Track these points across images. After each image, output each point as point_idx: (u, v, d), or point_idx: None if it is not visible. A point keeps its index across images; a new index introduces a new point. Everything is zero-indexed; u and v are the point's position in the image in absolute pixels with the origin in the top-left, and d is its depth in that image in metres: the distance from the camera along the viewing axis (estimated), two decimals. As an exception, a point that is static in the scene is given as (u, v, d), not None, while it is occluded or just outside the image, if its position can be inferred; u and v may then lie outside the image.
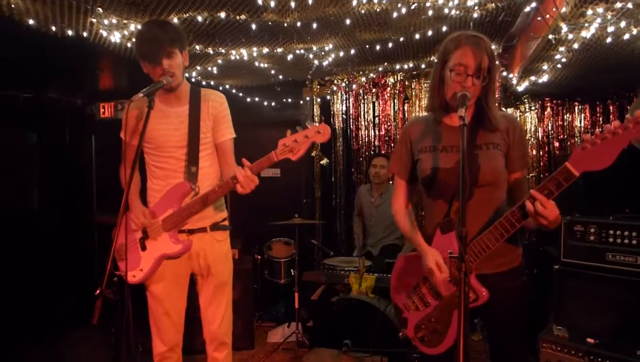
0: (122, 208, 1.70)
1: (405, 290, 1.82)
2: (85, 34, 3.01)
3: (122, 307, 1.76)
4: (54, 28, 2.85)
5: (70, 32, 2.92)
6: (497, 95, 1.66)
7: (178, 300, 2.13)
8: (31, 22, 2.72)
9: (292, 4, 2.46)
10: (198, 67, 4.07)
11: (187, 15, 2.83)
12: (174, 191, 2.02)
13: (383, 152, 4.67)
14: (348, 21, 2.85)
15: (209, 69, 4.04)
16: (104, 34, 3.01)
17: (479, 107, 1.66)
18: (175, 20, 2.89)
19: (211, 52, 3.56)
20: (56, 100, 4.67)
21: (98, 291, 1.63)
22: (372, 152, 4.77)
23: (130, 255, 2.04)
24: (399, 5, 2.50)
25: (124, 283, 1.78)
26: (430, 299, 1.74)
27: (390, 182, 4.13)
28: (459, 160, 1.68)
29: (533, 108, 4.43)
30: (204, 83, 4.57)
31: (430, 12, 2.65)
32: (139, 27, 1.88)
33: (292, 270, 3.99)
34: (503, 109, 4.19)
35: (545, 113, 4.41)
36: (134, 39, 1.97)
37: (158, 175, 2.07)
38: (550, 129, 4.40)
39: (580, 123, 4.31)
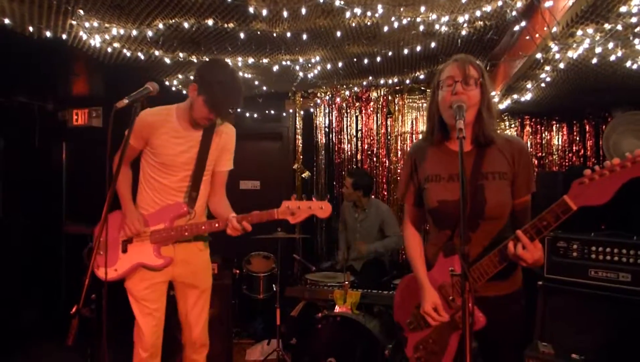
0: (108, 201, 1.63)
1: (409, 309, 1.80)
2: (64, 37, 2.88)
3: (100, 325, 1.64)
4: (31, 29, 2.71)
5: (48, 34, 2.79)
6: (494, 110, 1.66)
7: (159, 300, 2.14)
8: (7, 21, 2.58)
9: (285, 14, 2.42)
10: (180, 76, 3.98)
11: (173, 21, 2.75)
12: (170, 208, 2.07)
13: (365, 166, 4.67)
14: (339, 33, 2.84)
15: (191, 77, 3.94)
16: (84, 37, 2.89)
17: (479, 131, 1.63)
18: (161, 25, 2.80)
19: (195, 60, 3.48)
20: (26, 105, 4.47)
21: (74, 309, 1.52)
22: (355, 166, 4.76)
23: (108, 251, 2.04)
24: (392, 19, 2.50)
25: (102, 289, 1.70)
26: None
27: (373, 196, 4.12)
28: (466, 191, 1.66)
29: (513, 126, 4.53)
30: (184, 92, 4.46)
31: (421, 28, 2.67)
32: (222, 76, 2.02)
33: (274, 285, 3.89)
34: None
35: (525, 131, 4.51)
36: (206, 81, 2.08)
37: (156, 188, 2.11)
38: (529, 146, 4.49)
39: (558, 141, 4.43)
